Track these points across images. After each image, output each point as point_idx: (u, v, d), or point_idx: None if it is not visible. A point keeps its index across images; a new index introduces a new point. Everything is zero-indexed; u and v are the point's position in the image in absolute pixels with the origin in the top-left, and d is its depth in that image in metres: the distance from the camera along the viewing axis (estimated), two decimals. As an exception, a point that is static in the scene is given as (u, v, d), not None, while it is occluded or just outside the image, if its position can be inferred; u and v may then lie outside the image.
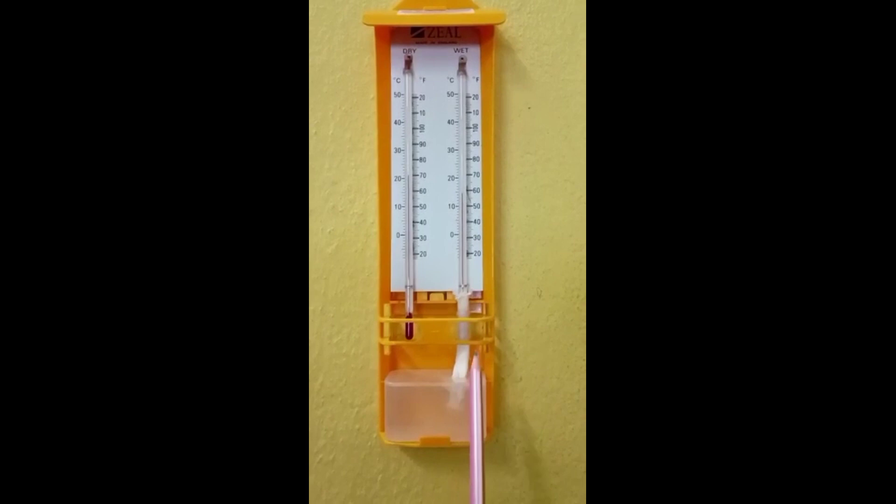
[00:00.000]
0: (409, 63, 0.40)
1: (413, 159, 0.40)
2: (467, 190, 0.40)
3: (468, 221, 0.40)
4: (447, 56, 0.40)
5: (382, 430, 0.40)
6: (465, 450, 0.41)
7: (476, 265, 0.41)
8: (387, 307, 0.40)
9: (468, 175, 0.40)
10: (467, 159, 0.40)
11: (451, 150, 0.40)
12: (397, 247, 0.40)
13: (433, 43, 0.40)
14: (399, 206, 0.40)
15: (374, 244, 0.40)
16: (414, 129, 0.40)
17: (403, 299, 0.40)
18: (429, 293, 0.40)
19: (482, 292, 0.41)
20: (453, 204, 0.40)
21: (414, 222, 0.40)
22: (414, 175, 0.40)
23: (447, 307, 0.40)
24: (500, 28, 0.40)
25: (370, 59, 0.40)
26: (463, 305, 0.40)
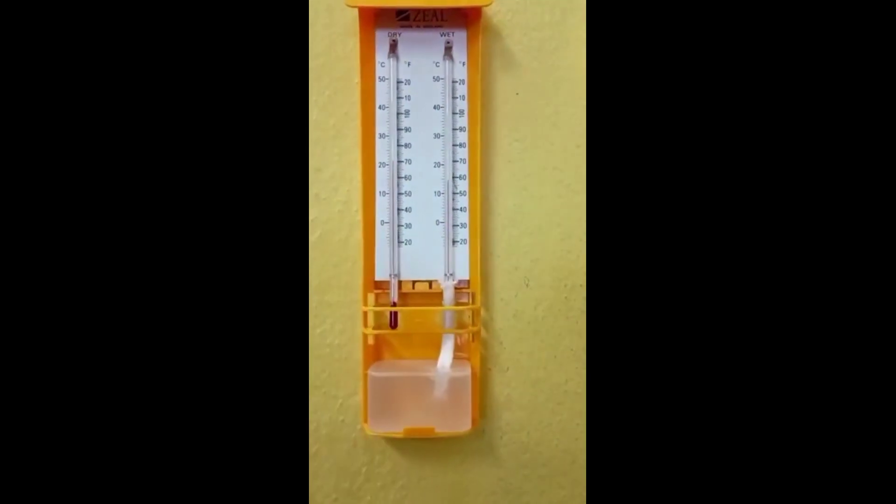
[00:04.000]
0: (394, 47, 0.39)
1: (398, 145, 0.39)
2: (453, 177, 0.40)
3: (454, 209, 0.40)
4: (433, 40, 0.39)
5: (366, 421, 0.39)
6: (450, 441, 0.41)
7: (462, 254, 0.40)
8: (371, 296, 0.39)
9: (454, 162, 0.40)
10: (453, 145, 0.40)
11: (436, 136, 0.39)
12: (382, 235, 0.39)
13: (419, 26, 0.39)
14: (384, 194, 0.39)
15: (358, 232, 0.40)
16: (399, 114, 0.39)
17: (388, 288, 0.39)
18: (414, 282, 0.40)
19: (468, 281, 0.40)
20: (439, 191, 0.39)
21: (399, 210, 0.39)
22: (399, 161, 0.39)
23: (432, 296, 0.40)
24: (488, 12, 0.40)
25: (354, 43, 0.39)
26: (448, 294, 0.39)
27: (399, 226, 0.40)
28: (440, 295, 0.39)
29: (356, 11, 0.38)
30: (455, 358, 0.39)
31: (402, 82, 0.39)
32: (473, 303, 0.40)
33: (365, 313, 0.39)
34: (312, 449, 0.41)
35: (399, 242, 0.40)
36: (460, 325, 0.40)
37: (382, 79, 0.39)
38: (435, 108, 0.39)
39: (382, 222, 0.39)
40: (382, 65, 0.39)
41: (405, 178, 0.39)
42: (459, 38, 0.39)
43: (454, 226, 0.40)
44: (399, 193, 0.39)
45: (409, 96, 0.39)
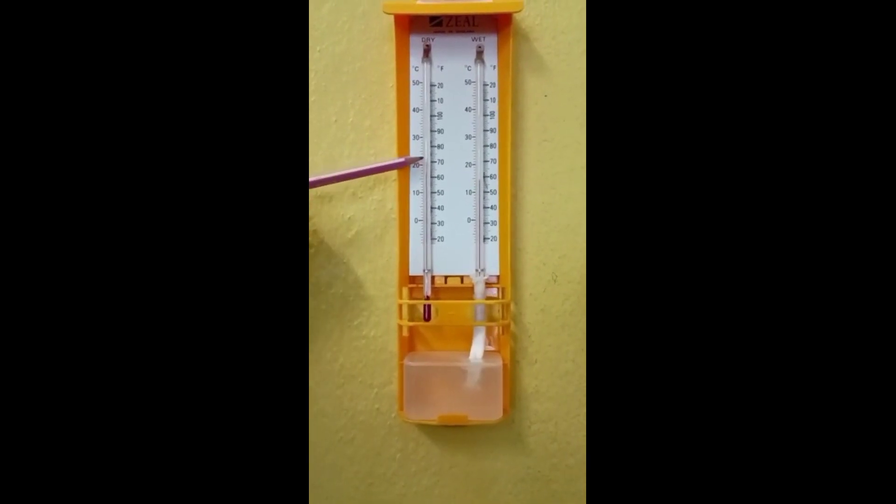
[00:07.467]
0: (427, 51, 0.41)
1: (431, 146, 0.41)
2: (484, 176, 0.41)
3: (485, 207, 0.41)
4: (465, 44, 0.41)
5: (401, 409, 0.41)
6: (481, 429, 0.42)
7: (492, 250, 0.41)
8: (405, 290, 0.41)
9: (485, 161, 0.41)
10: (484, 146, 0.41)
11: (468, 137, 0.41)
12: (415, 232, 0.41)
13: (451, 32, 0.41)
14: (417, 192, 0.41)
15: (393, 229, 0.41)
16: (432, 116, 0.41)
17: (421, 283, 0.41)
18: (446, 277, 0.41)
19: (498, 277, 0.41)
20: (470, 190, 0.41)
21: (432, 208, 0.41)
22: (432, 162, 0.41)
23: (464, 291, 0.41)
24: (518, 17, 0.41)
25: (389, 48, 0.41)
26: (479, 289, 0.41)
27: (432, 223, 0.41)
28: (471, 289, 0.41)
29: (392, 18, 0.40)
30: (485, 351, 0.40)
31: (435, 85, 0.41)
32: (503, 297, 0.41)
33: (400, 306, 0.41)
34: (349, 435, 0.43)
35: (432, 239, 0.41)
36: (491, 318, 0.41)
37: (416, 82, 0.41)
38: (466, 110, 0.41)
39: (416, 220, 0.41)
40: (416, 69, 0.41)
41: (438, 177, 0.41)
42: (490, 42, 0.41)
43: (485, 223, 0.41)
44: (432, 192, 0.41)
45: (441, 99, 0.41)
